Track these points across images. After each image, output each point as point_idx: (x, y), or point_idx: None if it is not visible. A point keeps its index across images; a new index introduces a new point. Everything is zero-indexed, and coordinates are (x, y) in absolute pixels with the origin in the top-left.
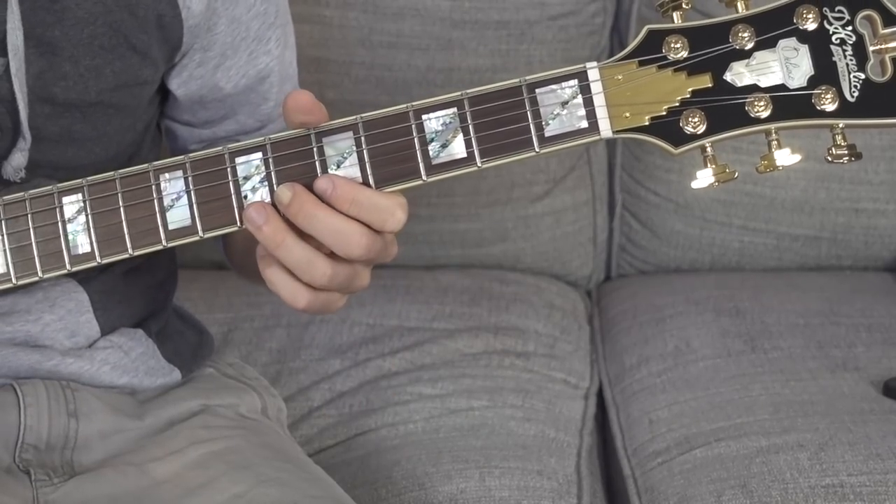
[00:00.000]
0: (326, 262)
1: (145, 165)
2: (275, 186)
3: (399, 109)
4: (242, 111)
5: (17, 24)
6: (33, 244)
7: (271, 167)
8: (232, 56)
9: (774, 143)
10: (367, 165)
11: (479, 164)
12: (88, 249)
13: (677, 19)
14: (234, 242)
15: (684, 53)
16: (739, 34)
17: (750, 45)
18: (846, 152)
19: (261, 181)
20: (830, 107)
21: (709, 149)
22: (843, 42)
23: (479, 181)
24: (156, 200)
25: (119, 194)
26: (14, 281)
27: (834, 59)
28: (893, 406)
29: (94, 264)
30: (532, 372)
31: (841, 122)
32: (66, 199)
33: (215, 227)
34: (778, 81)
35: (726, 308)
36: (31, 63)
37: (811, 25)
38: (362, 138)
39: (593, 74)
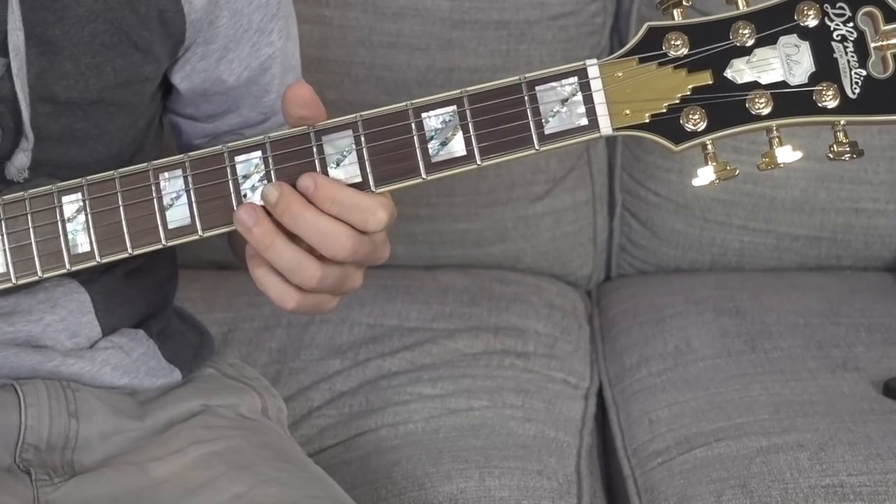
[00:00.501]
0: (316, 264)
1: (144, 165)
2: None
3: (398, 108)
4: (245, 104)
5: (18, 24)
6: (33, 244)
7: (270, 165)
8: (234, 48)
9: (775, 140)
10: (367, 164)
11: (478, 162)
12: (88, 249)
13: (678, 16)
14: (240, 239)
15: (685, 50)
16: (740, 31)
17: (750, 42)
18: (848, 149)
19: (260, 180)
20: (832, 103)
21: (709, 146)
22: (844, 39)
23: (479, 181)
24: (155, 199)
25: (118, 193)
26: (14, 280)
27: (835, 55)
28: (893, 406)
29: (93, 264)
30: (532, 372)
31: (842, 119)
32: (65, 199)
33: (215, 226)
34: (779, 78)
35: (726, 308)
36: (31, 62)
37: (812, 22)
38: (362, 136)
39: (593, 72)
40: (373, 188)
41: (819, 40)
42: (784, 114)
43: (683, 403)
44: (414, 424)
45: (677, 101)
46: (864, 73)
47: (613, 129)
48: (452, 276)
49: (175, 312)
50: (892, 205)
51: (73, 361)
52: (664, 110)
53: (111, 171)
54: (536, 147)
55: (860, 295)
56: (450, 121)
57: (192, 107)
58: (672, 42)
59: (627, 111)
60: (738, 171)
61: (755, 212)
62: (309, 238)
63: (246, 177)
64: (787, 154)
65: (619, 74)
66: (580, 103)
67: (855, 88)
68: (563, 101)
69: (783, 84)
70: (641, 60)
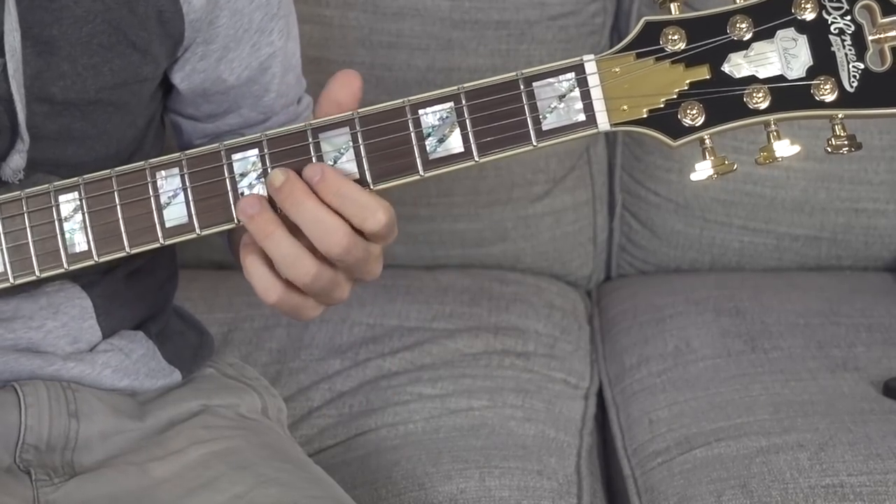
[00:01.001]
0: (312, 260)
1: (141, 163)
2: None
3: (396, 104)
4: (245, 103)
5: (15, 25)
6: (30, 243)
7: (267, 163)
8: (235, 48)
9: (773, 134)
10: (364, 161)
11: (476, 159)
12: (85, 248)
13: (675, 11)
14: (237, 236)
15: (682, 45)
16: (737, 25)
17: (748, 36)
18: (846, 143)
19: (257, 177)
20: (830, 97)
21: (707, 141)
22: (841, 32)
23: (478, 181)
24: (152, 198)
25: (115, 192)
26: (11, 280)
27: (833, 49)
28: (893, 406)
29: (91, 263)
30: (532, 372)
31: (840, 113)
32: (62, 198)
33: (212, 225)
34: (776, 72)
35: (726, 308)
36: (28, 63)
37: (809, 15)
38: (359, 133)
39: (590, 67)
40: (371, 185)
41: (816, 34)
42: (782, 108)
43: (683, 403)
44: (414, 424)
45: (675, 96)
46: (861, 66)
47: (611, 125)
48: (452, 276)
49: (175, 312)
50: (892, 205)
51: (73, 365)
52: (662, 105)
53: (108, 170)
54: (534, 143)
55: (860, 295)
56: (447, 117)
57: (193, 107)
58: (669, 37)
59: (625, 107)
60: (735, 166)
61: (755, 212)
62: (307, 228)
63: (243, 175)
64: (785, 148)
65: (617, 70)
66: (577, 99)
67: (853, 82)
68: (561, 97)
69: (781, 78)
70: (639, 55)
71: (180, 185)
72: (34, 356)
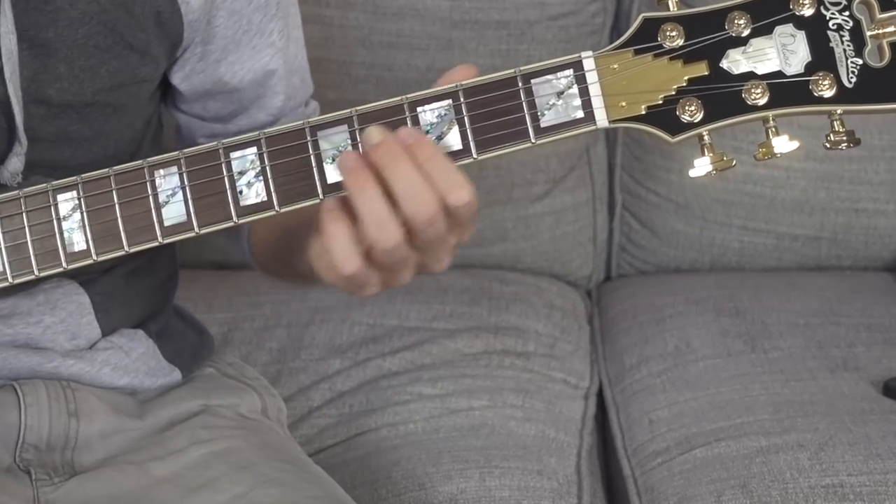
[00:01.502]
0: (399, 227)
1: (140, 162)
2: (270, 181)
3: (394, 102)
4: (253, 105)
5: (11, 28)
6: (29, 242)
7: (266, 161)
8: (235, 50)
9: (772, 130)
10: None
11: (474, 156)
12: (84, 247)
13: (673, 7)
14: (270, 232)
15: (680, 41)
16: (735, 21)
17: (746, 33)
18: (844, 138)
19: (256, 176)
20: (828, 93)
21: (706, 137)
22: (840, 28)
23: (479, 181)
24: (151, 197)
25: (114, 191)
26: (10, 279)
27: (831, 44)
28: (893, 406)
29: (90, 262)
30: (532, 372)
31: (839, 109)
32: (60, 197)
33: (211, 223)
34: (775, 68)
35: (726, 308)
36: (25, 65)
37: (808, 11)
38: (357, 132)
39: (588, 64)
40: None
41: (815, 30)
42: (780, 104)
43: (683, 403)
44: (414, 424)
45: (673, 93)
46: (860, 61)
47: (609, 122)
48: (452, 276)
49: (175, 312)
50: (892, 205)
51: (72, 362)
52: (660, 102)
53: (106, 169)
54: (533, 140)
55: (860, 295)
56: (445, 115)
57: (199, 106)
58: (667, 33)
59: (623, 103)
60: (734, 162)
61: (755, 212)
62: (399, 188)
63: (241, 173)
64: (783, 144)
65: (615, 66)
66: (576, 96)
67: (851, 77)
68: (559, 94)
69: (779, 74)
70: (637, 52)
71: (179, 184)
72: (33, 353)
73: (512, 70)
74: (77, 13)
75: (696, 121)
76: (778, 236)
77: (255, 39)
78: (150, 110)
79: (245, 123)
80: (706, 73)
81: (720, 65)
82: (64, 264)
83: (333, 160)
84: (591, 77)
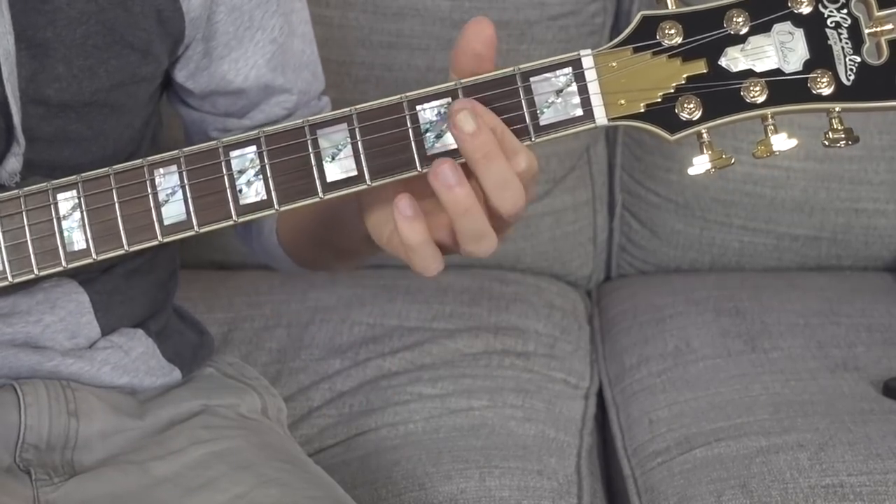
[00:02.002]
0: (494, 237)
1: (139, 161)
2: (270, 180)
3: (393, 100)
4: (264, 102)
5: (8, 28)
6: (29, 242)
7: (265, 160)
8: (237, 47)
9: (771, 128)
10: (362, 157)
11: None
12: (84, 246)
13: (671, 5)
14: (306, 215)
15: (679, 39)
16: (734, 19)
17: (744, 30)
18: (843, 136)
19: (255, 174)
20: (827, 91)
21: (705, 135)
22: (838, 25)
23: None
24: (150, 196)
25: (114, 190)
26: (10, 279)
27: (829, 42)
28: (893, 406)
29: (89, 261)
30: (532, 372)
31: (837, 106)
32: (60, 196)
33: (211, 222)
34: (773, 66)
35: (726, 308)
36: (23, 65)
37: (806, 9)
38: (356, 130)
39: (587, 62)
40: (368, 181)
41: (813, 27)
42: (779, 101)
43: (683, 403)
44: (414, 424)
45: (672, 91)
46: (858, 59)
47: (608, 120)
48: (452, 276)
49: (174, 312)
50: (892, 205)
51: (72, 361)
52: (659, 100)
53: (106, 168)
54: (532, 138)
55: (860, 295)
56: (445, 113)
57: (209, 103)
58: (666, 31)
59: (622, 101)
60: (733, 160)
61: (755, 212)
62: (490, 183)
63: (241, 172)
64: (782, 141)
65: (614, 64)
66: (575, 94)
67: (850, 75)
68: (558, 92)
69: (778, 72)
70: (636, 50)
71: (178, 183)
72: (33, 352)
73: (511, 68)
74: (75, 13)
75: (694, 119)
76: (778, 236)
77: (258, 35)
78: (149, 110)
79: (261, 118)
80: (705, 71)
81: (719, 62)
82: (64, 263)
83: (333, 158)
84: (590, 75)
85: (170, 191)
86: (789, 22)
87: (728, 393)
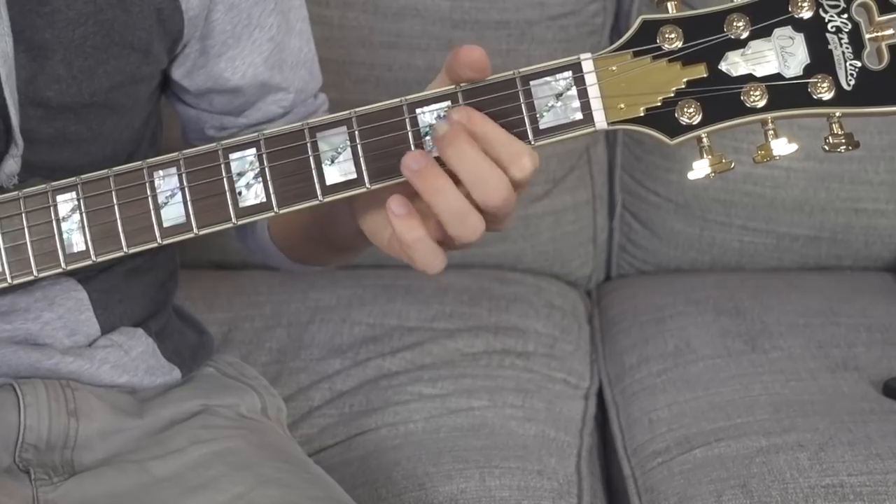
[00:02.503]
0: (478, 215)
1: (139, 163)
2: (269, 182)
3: (393, 103)
4: (260, 100)
5: (7, 31)
6: (28, 243)
7: (265, 163)
8: (234, 45)
9: (771, 132)
10: (362, 160)
11: None
12: (83, 248)
13: (671, 9)
14: (296, 218)
15: (679, 44)
16: (734, 23)
17: (745, 35)
18: (843, 141)
19: (255, 177)
20: (827, 95)
21: (705, 139)
22: (838, 30)
23: None
24: (150, 198)
25: (113, 192)
26: (9, 280)
27: (830, 47)
28: (893, 406)
29: (88, 263)
30: (532, 372)
31: (837, 111)
32: (60, 198)
33: (210, 224)
34: (773, 70)
35: (726, 308)
36: (22, 67)
37: (806, 14)
38: (356, 133)
39: (587, 66)
40: (368, 184)
41: (813, 32)
42: (779, 106)
43: (683, 403)
44: (414, 424)
45: (672, 95)
46: (858, 64)
47: (608, 124)
48: (452, 276)
49: (174, 312)
50: (892, 205)
51: (71, 359)
52: (659, 104)
53: (105, 170)
54: (531, 141)
55: (860, 295)
56: (444, 116)
57: (206, 101)
58: (666, 35)
59: (622, 105)
60: (733, 164)
61: (755, 212)
62: (468, 177)
63: (240, 174)
64: (782, 146)
65: (614, 68)
66: (575, 98)
67: (850, 80)
68: (558, 96)
69: (778, 76)
70: (636, 54)
71: (178, 185)
72: (32, 349)
73: (511, 72)
74: (74, 14)
75: (694, 123)
76: (778, 236)
77: (255, 34)
78: (148, 110)
79: (258, 116)
80: (705, 76)
81: (719, 67)
82: (63, 265)
83: (332, 161)
84: (590, 79)
85: (169, 193)
86: (790, 27)
87: (728, 393)
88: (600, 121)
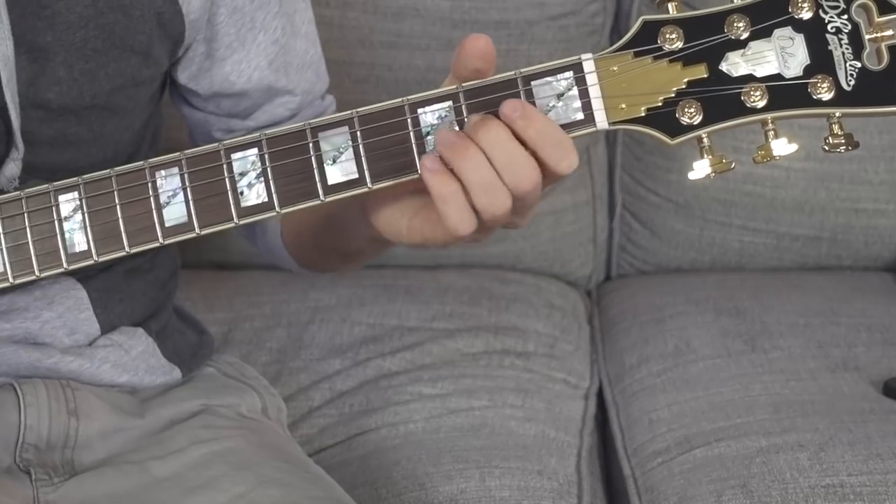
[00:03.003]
0: (507, 192)
1: (141, 163)
2: (271, 182)
3: (395, 103)
4: (267, 103)
5: (7, 34)
6: (30, 243)
7: (267, 163)
8: (240, 49)
9: (771, 133)
10: (363, 160)
11: None
12: (85, 248)
13: (672, 10)
14: (308, 218)
15: (679, 44)
16: (734, 24)
17: (745, 35)
18: (843, 141)
19: (257, 177)
20: (827, 96)
21: (705, 140)
22: (838, 31)
23: None
24: (152, 198)
25: (115, 192)
26: (11, 280)
27: (830, 47)
28: (893, 406)
29: (90, 262)
30: (532, 372)
31: (837, 111)
32: (62, 198)
33: (212, 224)
34: (774, 71)
35: (726, 308)
36: (23, 70)
37: (806, 14)
38: (358, 133)
39: (588, 66)
40: (370, 184)
41: (813, 33)
42: (779, 106)
43: (683, 403)
44: (414, 424)
45: (673, 95)
46: (858, 65)
47: (609, 124)
48: (452, 276)
49: (175, 311)
50: (892, 205)
51: (71, 359)
52: (660, 104)
53: (107, 170)
54: None
55: (860, 295)
56: (446, 116)
57: (213, 104)
58: (667, 36)
59: (623, 105)
60: (734, 165)
61: (755, 212)
62: (500, 160)
63: (242, 174)
64: (782, 146)
65: (615, 69)
66: (576, 98)
67: (850, 80)
68: (559, 96)
69: (778, 77)
70: (637, 54)
71: (180, 185)
72: (32, 349)
73: (512, 72)
74: (74, 17)
75: (695, 123)
76: (778, 236)
77: (260, 37)
78: (148, 111)
79: (265, 119)
80: (705, 76)
81: (719, 67)
82: (65, 265)
83: (334, 161)
84: (591, 79)
85: (171, 193)
86: (790, 27)
87: (728, 393)
88: (601, 121)
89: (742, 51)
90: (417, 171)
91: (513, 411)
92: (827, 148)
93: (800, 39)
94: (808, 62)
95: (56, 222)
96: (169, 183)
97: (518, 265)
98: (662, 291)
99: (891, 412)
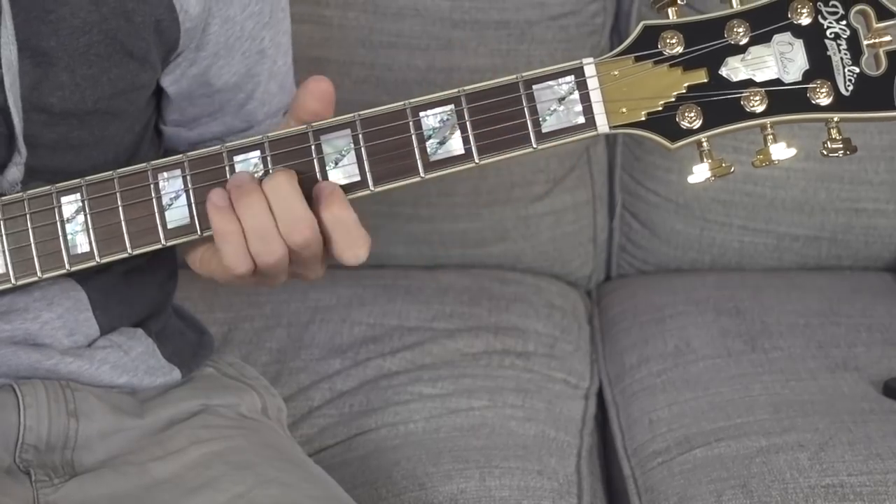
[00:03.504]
0: (282, 242)
1: (143, 165)
2: None
3: (396, 107)
4: (229, 109)
5: (11, 39)
6: (32, 244)
7: (269, 165)
8: (226, 55)
9: (770, 137)
10: (365, 163)
11: (476, 161)
12: (87, 249)
13: (672, 15)
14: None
15: (680, 49)
16: (734, 29)
17: (745, 41)
18: (841, 146)
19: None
20: (825, 101)
21: (705, 143)
22: (837, 36)
23: (479, 181)
24: (154, 200)
25: (117, 194)
26: (13, 281)
27: (828, 53)
28: (893, 406)
29: (93, 264)
30: (532, 372)
31: (836, 116)
32: (64, 199)
33: None
34: (773, 76)
35: (726, 308)
36: (26, 74)
37: (805, 20)
38: (360, 136)
39: (589, 70)
40: (371, 187)
41: (813, 38)
42: (778, 111)
43: (683, 403)
44: (414, 424)
45: (673, 99)
46: (857, 70)
47: (610, 128)
48: (452, 276)
49: (174, 311)
50: (892, 205)
51: (71, 360)
52: (660, 108)
53: (110, 172)
54: (534, 145)
55: (860, 295)
56: (447, 119)
57: (178, 111)
58: (667, 40)
59: (624, 109)
60: (733, 168)
61: (755, 212)
62: (278, 209)
63: None
64: (781, 151)
65: (616, 73)
66: (577, 102)
67: (848, 86)
68: (560, 100)
69: (777, 82)
70: (637, 59)
71: (182, 187)
72: (32, 350)
73: (514, 76)
74: (78, 22)
75: (695, 127)
76: (778, 236)
77: (247, 45)
78: (147, 114)
79: (219, 129)
80: (705, 81)
81: (719, 72)
82: (67, 266)
83: (336, 164)
84: (592, 83)
85: (173, 195)
86: (789, 33)
87: (728, 393)
88: (602, 125)
89: (742, 56)
90: (419, 174)
91: (513, 411)
92: (825, 152)
93: (799, 45)
94: (808, 67)
95: (58, 224)
96: (171, 185)
97: (518, 265)
98: (662, 291)
99: (891, 412)
